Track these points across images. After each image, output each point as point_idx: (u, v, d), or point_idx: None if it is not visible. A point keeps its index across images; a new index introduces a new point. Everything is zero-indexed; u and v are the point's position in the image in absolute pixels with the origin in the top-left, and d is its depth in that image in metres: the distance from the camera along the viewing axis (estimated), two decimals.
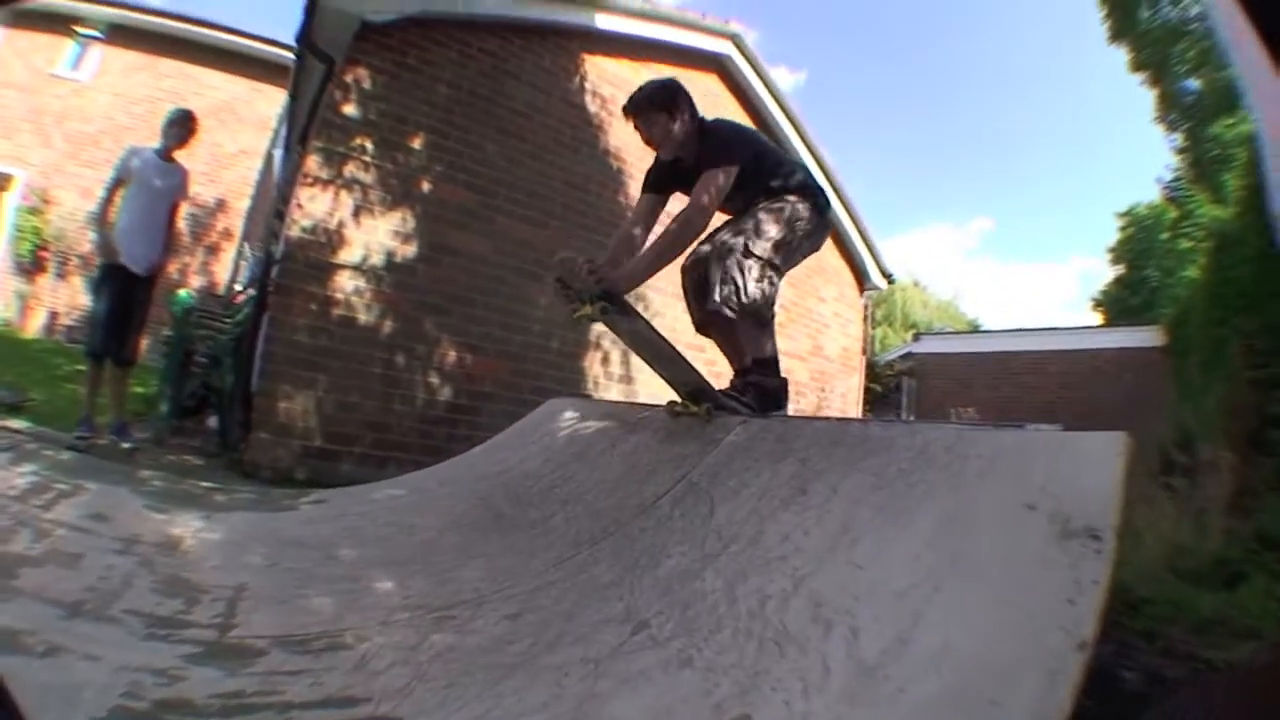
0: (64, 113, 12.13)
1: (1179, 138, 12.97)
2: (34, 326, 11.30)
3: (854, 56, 69.85)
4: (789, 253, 2.84)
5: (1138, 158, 59.23)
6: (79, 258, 11.52)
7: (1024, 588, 1.16)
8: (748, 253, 2.70)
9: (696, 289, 2.83)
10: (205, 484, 3.85)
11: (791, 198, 2.83)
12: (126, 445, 4.29)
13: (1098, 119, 60.64)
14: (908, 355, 13.76)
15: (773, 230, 2.76)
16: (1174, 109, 12.53)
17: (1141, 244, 19.89)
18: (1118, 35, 12.29)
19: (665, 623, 1.61)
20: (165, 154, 4.48)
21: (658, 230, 2.92)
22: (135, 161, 4.39)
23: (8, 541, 2.12)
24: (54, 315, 11.43)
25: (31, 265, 11.48)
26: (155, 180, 4.39)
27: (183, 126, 4.52)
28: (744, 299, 2.69)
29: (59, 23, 12.26)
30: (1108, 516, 1.17)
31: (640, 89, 2.86)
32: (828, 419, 3.95)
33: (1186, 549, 2.44)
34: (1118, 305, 19.89)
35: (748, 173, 2.77)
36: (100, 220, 4.37)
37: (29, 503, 2.60)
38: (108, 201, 4.36)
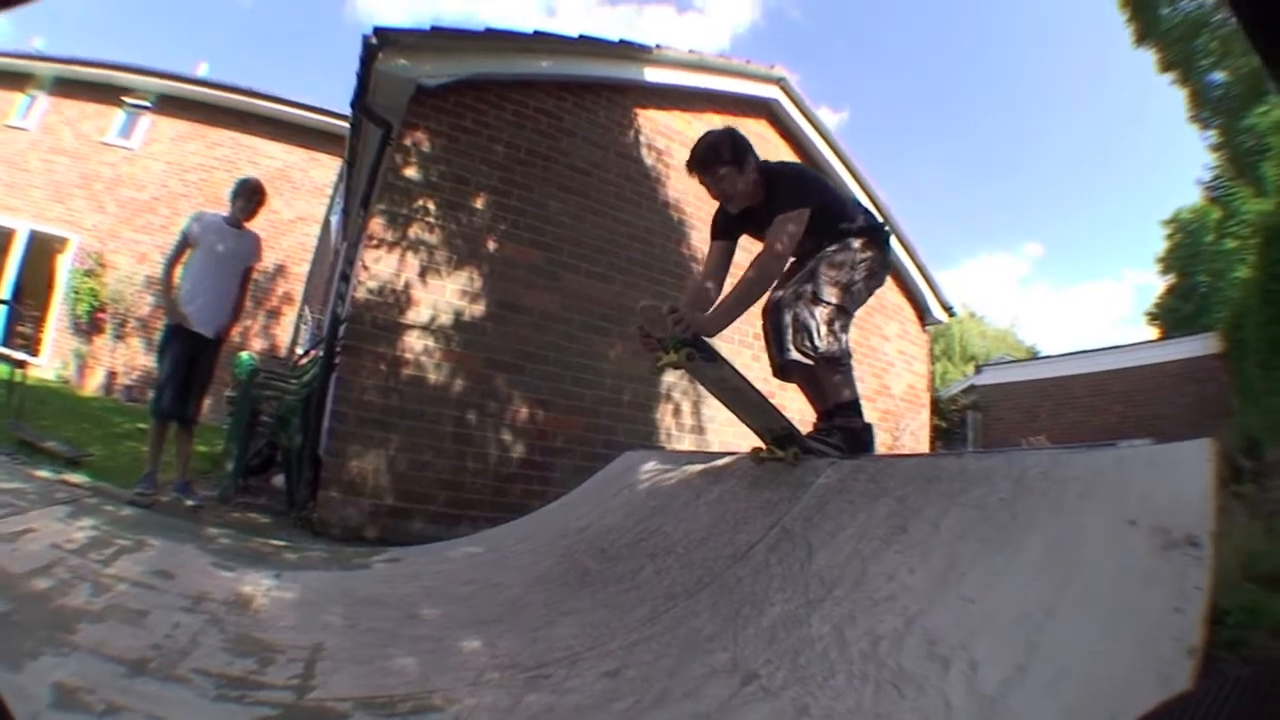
0: (116, 179, 12.72)
1: (1213, 134, 12.58)
2: (92, 385, 11.74)
3: (894, 91, 70.93)
4: (855, 295, 2.86)
5: (1178, 162, 57.91)
6: (138, 320, 11.94)
7: (1133, 603, 1.17)
8: (815, 299, 2.73)
9: (773, 336, 2.84)
10: (274, 541, 3.84)
11: (856, 242, 2.85)
12: (191, 503, 4.31)
13: (1135, 128, 59.57)
14: (970, 388, 13.54)
15: (839, 275, 2.78)
16: (1204, 105, 12.17)
17: (1189, 250, 19.43)
18: (1143, 37, 12.03)
19: (775, 672, 1.56)
20: (235, 223, 4.58)
21: (730, 277, 2.93)
22: (198, 228, 4.48)
23: (66, 595, 2.06)
24: (112, 375, 11.88)
25: (89, 326, 11.99)
26: (219, 246, 4.47)
27: (249, 198, 4.61)
28: (818, 345, 2.71)
29: (107, 92, 12.97)
30: (1205, 523, 1.19)
31: (701, 143, 2.87)
32: (919, 455, 3.85)
33: (1260, 554, 2.33)
34: (1172, 315, 19.40)
35: (815, 216, 2.78)
36: (165, 284, 4.45)
37: (88, 557, 2.56)
38: (172, 266, 4.45)
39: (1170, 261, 20.47)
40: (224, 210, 4.66)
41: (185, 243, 4.47)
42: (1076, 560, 1.34)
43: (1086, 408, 11.59)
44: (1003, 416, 12.44)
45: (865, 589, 1.68)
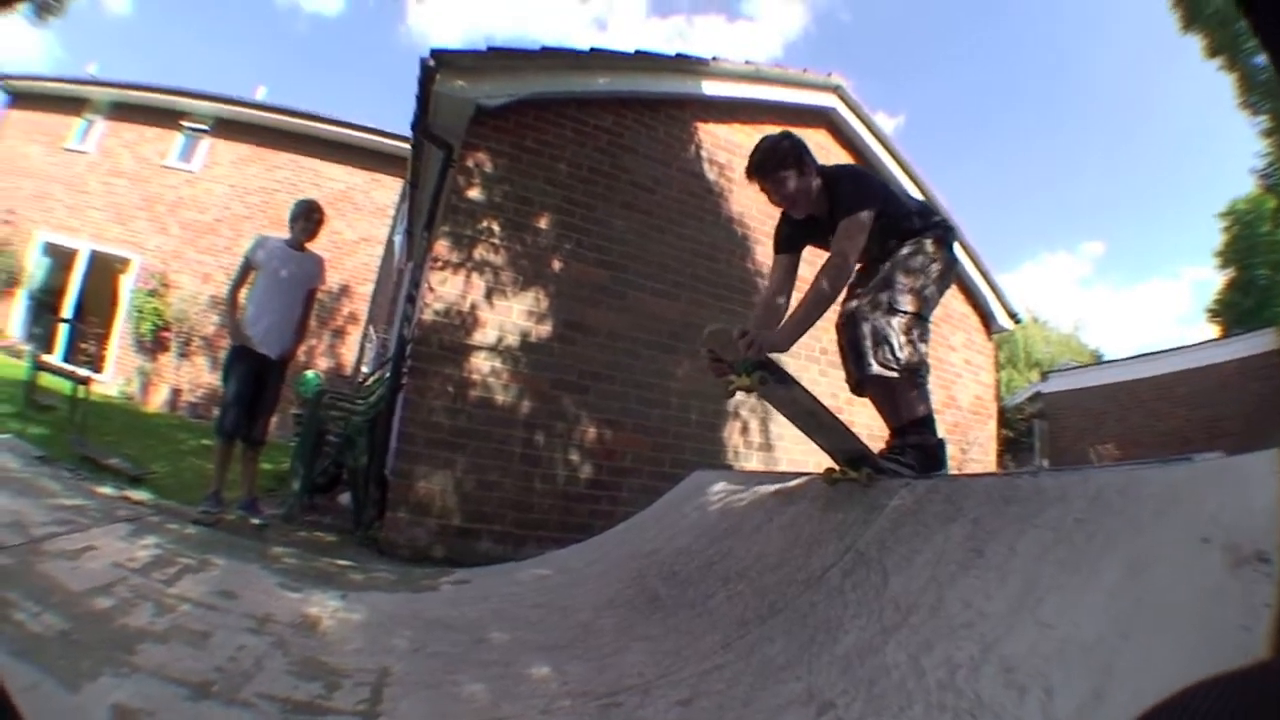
0: (178, 202, 13.06)
1: (1263, 119, 12.07)
2: (156, 401, 12.05)
3: (947, 92, 70.59)
4: (930, 301, 2.80)
5: (1232, 152, 56.14)
6: (202, 339, 12.23)
7: (1204, 623, 1.13)
8: (892, 310, 2.67)
9: (851, 350, 2.77)
10: (340, 561, 3.83)
11: (927, 243, 2.78)
12: (256, 521, 4.36)
13: (1187, 120, 57.78)
14: (1036, 396, 13.29)
15: (914, 281, 2.72)
16: (1252, 89, 11.68)
17: (1247, 242, 18.76)
18: (1189, 22, 11.59)
19: (851, 702, 1.52)
20: (296, 245, 4.62)
21: (796, 291, 2.85)
22: (260, 253, 4.54)
23: (127, 615, 2.05)
24: (177, 392, 12.18)
25: (153, 344, 12.32)
26: (282, 270, 4.52)
27: (308, 219, 4.65)
28: (900, 357, 2.66)
29: (165, 116, 13.36)
30: (1273, 538, 1.14)
31: (759, 150, 2.81)
32: (994, 474, 3.75)
33: None
34: (1232, 311, 18.73)
35: (880, 217, 2.71)
36: (230, 307, 4.52)
37: (150, 576, 2.55)
38: (236, 288, 4.52)
39: (1228, 255, 19.80)
40: (286, 233, 4.71)
41: (248, 266, 4.55)
42: (1152, 581, 1.30)
43: (1151, 412, 11.32)
44: (1069, 424, 12.19)
45: (942, 615, 1.64)
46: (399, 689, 1.95)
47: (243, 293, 4.53)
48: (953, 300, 7.53)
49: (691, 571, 2.85)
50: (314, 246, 4.77)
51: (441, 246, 4.97)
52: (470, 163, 5.12)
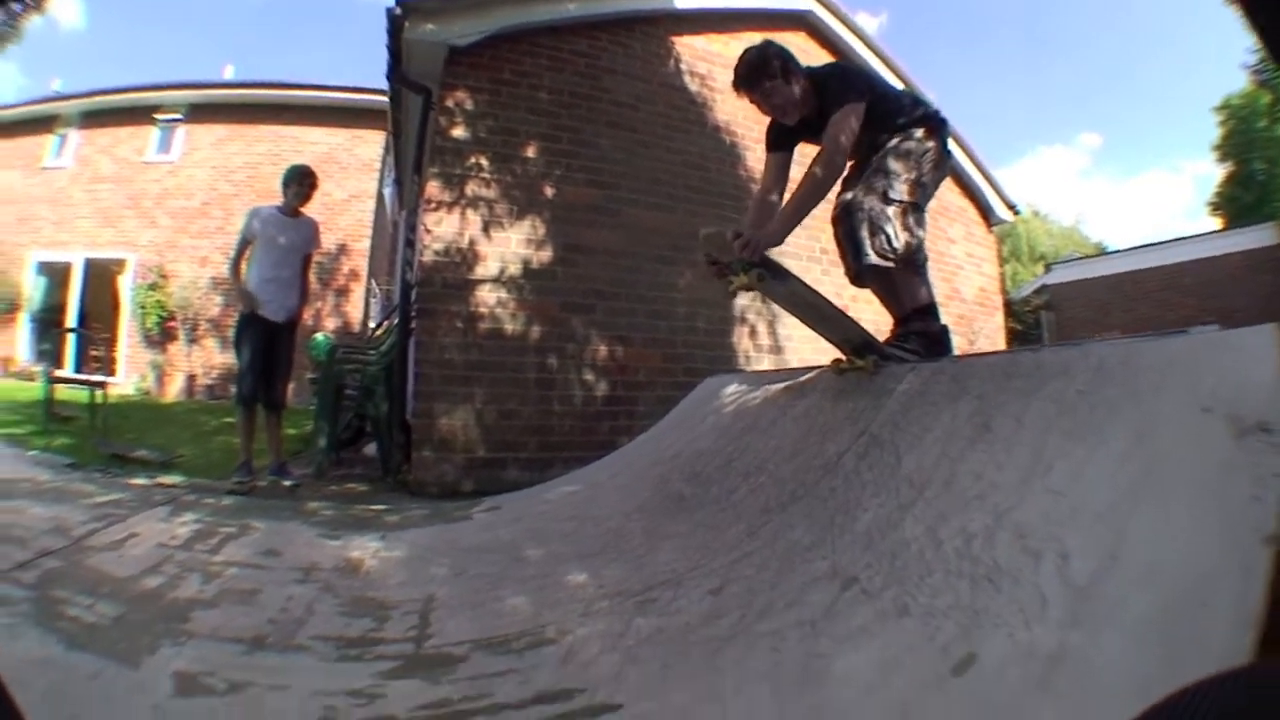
0: (164, 193, 13.07)
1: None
2: (173, 391, 12.17)
3: None
4: (924, 189, 2.80)
5: (1226, 45, 55.07)
6: (209, 321, 12.35)
7: (1214, 490, 1.16)
8: (887, 199, 2.67)
9: (848, 244, 2.78)
10: (374, 507, 3.88)
11: (918, 132, 2.77)
12: (288, 483, 4.43)
13: (1176, 11, 56.45)
14: (1042, 288, 13.26)
15: (906, 172, 2.71)
16: None
17: (1244, 136, 18.51)
18: None
19: (874, 575, 1.57)
20: (290, 211, 4.63)
21: (790, 189, 2.86)
22: (256, 222, 4.56)
23: (177, 588, 2.09)
24: (191, 377, 12.32)
25: (160, 336, 12.43)
26: (280, 237, 4.55)
27: (300, 184, 4.65)
28: (896, 246, 2.66)
29: (137, 114, 13.29)
30: (1276, 408, 1.16)
31: (742, 63, 2.80)
32: (996, 352, 3.78)
33: None
34: (1233, 205, 18.55)
35: (869, 109, 2.71)
36: (234, 276, 4.59)
37: (194, 549, 2.59)
38: (237, 260, 4.57)
39: (1226, 149, 19.54)
40: (278, 201, 4.71)
41: (246, 239, 4.58)
42: (1158, 449, 1.32)
43: (1159, 302, 11.28)
44: (1076, 315, 12.18)
45: (955, 489, 1.68)
46: (445, 612, 2.02)
47: (244, 264, 4.57)
48: (948, 193, 7.47)
49: (712, 471, 2.91)
50: (309, 209, 4.78)
51: (433, 188, 4.97)
52: (450, 103, 5.08)
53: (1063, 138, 73.30)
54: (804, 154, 2.88)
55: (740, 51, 2.85)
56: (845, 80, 2.78)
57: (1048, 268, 14.29)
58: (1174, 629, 1.01)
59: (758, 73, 2.76)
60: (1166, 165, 64.05)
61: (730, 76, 2.84)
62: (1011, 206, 8.19)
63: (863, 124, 2.69)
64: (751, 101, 2.85)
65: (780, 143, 2.95)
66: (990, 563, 1.36)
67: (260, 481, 4.38)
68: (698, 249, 2.70)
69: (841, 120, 2.63)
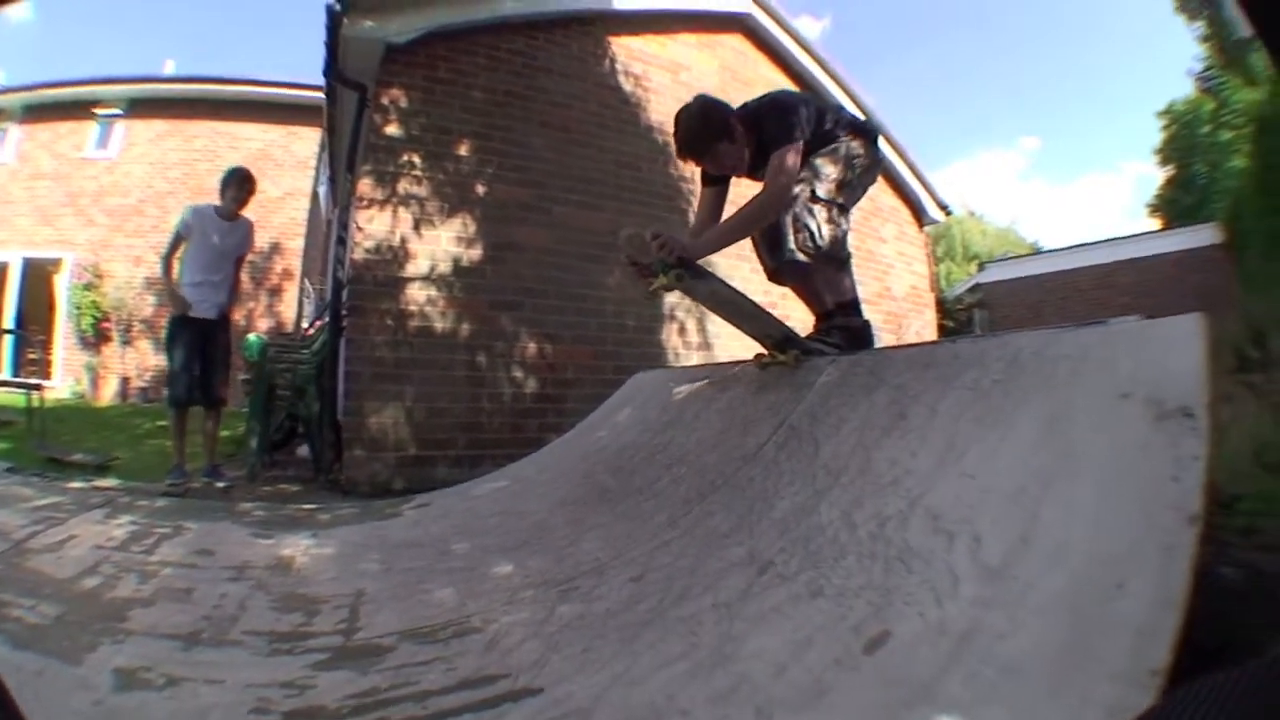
0: (100, 191, 12.76)
1: (1201, 25, 12.28)
2: (107, 395, 11.90)
3: None
4: (851, 190, 2.85)
5: (1171, 52, 56.78)
6: (142, 322, 12.09)
7: (1129, 473, 1.19)
8: (814, 198, 2.71)
9: (768, 240, 2.82)
10: (306, 506, 3.87)
11: (843, 135, 2.82)
12: (222, 485, 4.41)
13: (1125, 17, 58.10)
14: (975, 287, 13.49)
15: (833, 171, 2.76)
16: None
17: (1186, 141, 19.09)
18: None
19: (789, 559, 1.62)
20: (227, 214, 4.60)
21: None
22: (193, 219, 4.52)
23: (114, 588, 2.11)
24: (125, 380, 12.07)
25: (95, 338, 12.14)
26: (215, 238, 4.52)
27: (239, 188, 4.64)
28: (819, 243, 2.69)
29: (77, 109, 12.93)
30: (1198, 394, 1.19)
31: (684, 130, 2.78)
32: (915, 344, 3.90)
33: (1272, 444, 2.37)
34: (1174, 207, 19.12)
35: (809, 140, 2.74)
36: (165, 276, 4.54)
37: (130, 550, 2.59)
38: (169, 259, 4.52)
39: (1168, 153, 20.12)
40: (215, 200, 4.68)
41: (180, 236, 4.53)
42: (1071, 435, 1.36)
43: (1093, 301, 11.52)
44: (1009, 313, 12.39)
45: (870, 475, 1.73)
46: (373, 605, 2.03)
47: (175, 262, 4.52)
48: (881, 194, 7.66)
49: (637, 463, 2.94)
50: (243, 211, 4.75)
51: (365, 185, 4.95)
52: (385, 100, 5.07)
53: (1001, 141, 74.92)
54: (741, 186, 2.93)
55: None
56: (783, 118, 2.74)
57: (981, 266, 14.59)
58: (1087, 608, 1.03)
59: (703, 139, 2.75)
60: (1105, 165, 65.79)
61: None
62: (944, 207, 8.40)
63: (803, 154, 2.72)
64: (698, 165, 2.88)
65: (717, 177, 2.97)
66: (903, 544, 1.41)
67: (194, 484, 4.34)
68: (619, 250, 2.73)
69: (781, 162, 2.63)
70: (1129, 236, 12.27)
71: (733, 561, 1.75)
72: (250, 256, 5.04)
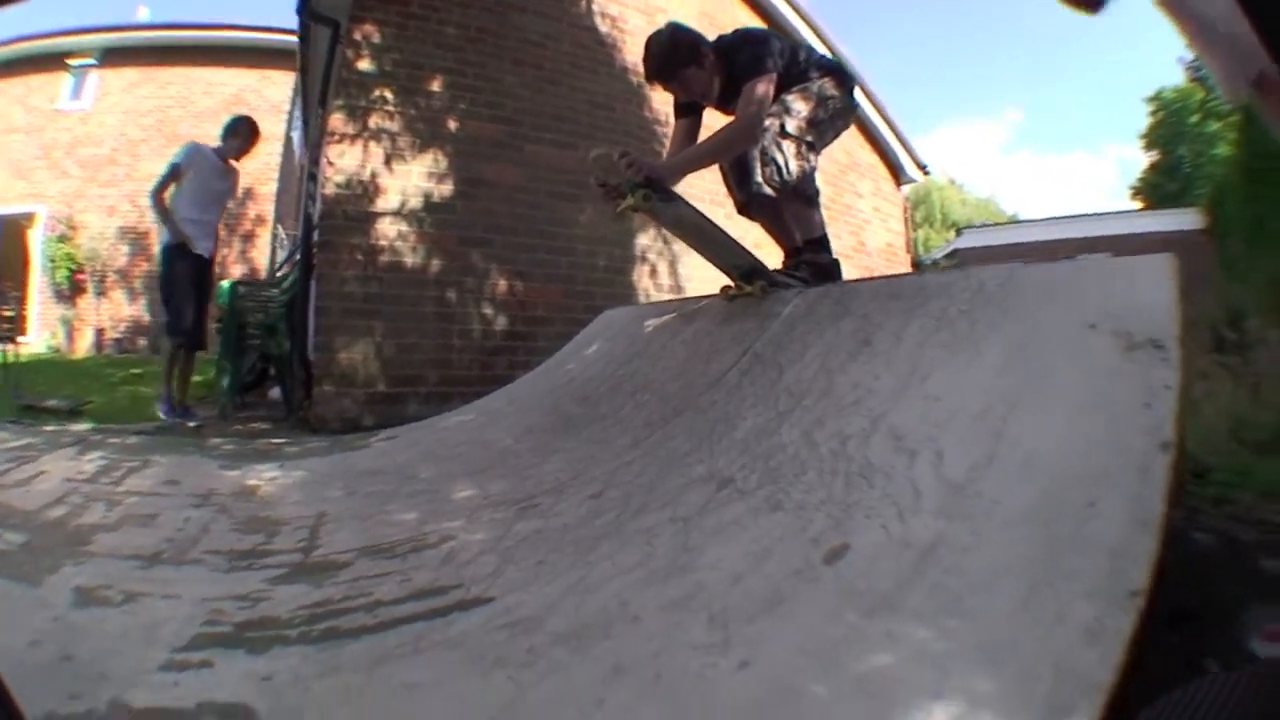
0: (74, 142, 12.59)
1: None
2: (82, 347, 11.84)
3: None
4: (822, 130, 2.84)
5: (1161, 40, 56.75)
6: (116, 272, 12.02)
7: (1100, 397, 1.20)
8: (783, 133, 2.71)
9: (736, 173, 2.84)
10: (276, 440, 3.92)
11: (816, 74, 2.83)
12: (193, 424, 4.41)
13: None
14: (953, 253, 13.58)
15: (804, 108, 2.76)
16: None
17: (1173, 128, 19.30)
18: None
19: (749, 476, 1.64)
20: (225, 159, 4.66)
21: None
22: (197, 157, 4.55)
23: (80, 516, 2.13)
24: (100, 332, 12.01)
25: (70, 290, 12.06)
26: (215, 182, 4.60)
27: (246, 138, 4.73)
28: (786, 177, 2.71)
29: (50, 61, 12.73)
30: (1169, 328, 1.20)
31: (653, 55, 2.78)
32: (882, 277, 3.93)
33: (1246, 421, 2.43)
34: (1157, 191, 19.35)
35: (782, 76, 2.75)
36: (159, 208, 4.51)
37: (99, 482, 2.62)
38: (161, 189, 4.49)
39: (1154, 139, 20.35)
40: (212, 144, 4.72)
41: (176, 172, 4.50)
42: (1038, 361, 1.37)
43: None
44: None
45: (833, 397, 1.74)
46: (334, 525, 2.07)
47: (167, 196, 4.50)
48: (859, 150, 7.66)
49: (603, 393, 2.97)
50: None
51: (336, 120, 4.90)
52: (358, 35, 5.00)
53: (988, 110, 74.80)
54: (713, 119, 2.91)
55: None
56: (756, 51, 2.75)
57: (959, 232, 14.66)
58: (1058, 525, 1.02)
59: (671, 63, 2.75)
60: (1090, 147, 65.97)
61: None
62: (922, 166, 8.41)
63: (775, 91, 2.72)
64: (666, 90, 2.86)
65: (689, 108, 2.95)
66: (864, 461, 1.41)
67: (190, 422, 4.39)
68: (588, 172, 2.71)
69: (751, 92, 2.64)
70: (1111, 213, 12.39)
71: (692, 478, 1.77)
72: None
